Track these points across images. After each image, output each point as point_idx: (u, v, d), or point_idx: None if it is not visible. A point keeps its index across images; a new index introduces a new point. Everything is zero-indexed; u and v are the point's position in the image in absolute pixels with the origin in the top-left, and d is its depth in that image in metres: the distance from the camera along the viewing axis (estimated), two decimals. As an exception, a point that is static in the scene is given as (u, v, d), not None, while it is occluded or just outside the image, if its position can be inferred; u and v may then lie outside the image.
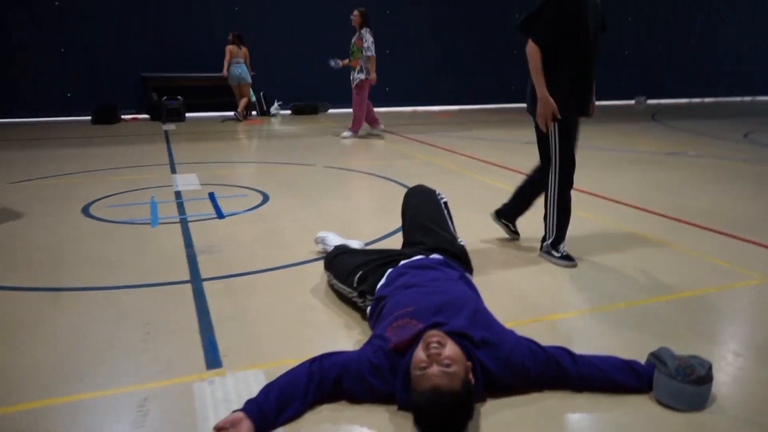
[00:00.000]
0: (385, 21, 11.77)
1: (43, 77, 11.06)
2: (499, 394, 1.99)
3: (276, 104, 12.19)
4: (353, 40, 8.63)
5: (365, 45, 8.42)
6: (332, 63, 9.05)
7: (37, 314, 2.71)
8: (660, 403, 1.96)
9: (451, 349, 1.85)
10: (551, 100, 3.17)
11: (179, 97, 11.11)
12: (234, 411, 1.83)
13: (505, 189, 5.40)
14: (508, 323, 2.23)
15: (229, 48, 10.72)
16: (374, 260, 2.64)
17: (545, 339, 2.16)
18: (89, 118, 10.87)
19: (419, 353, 1.85)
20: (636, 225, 4.15)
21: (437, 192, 3.04)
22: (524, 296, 2.96)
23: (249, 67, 11.00)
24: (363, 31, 8.51)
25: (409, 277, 2.34)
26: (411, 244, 2.81)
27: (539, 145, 3.42)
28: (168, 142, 8.43)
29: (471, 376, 1.87)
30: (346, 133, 8.88)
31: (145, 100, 11.53)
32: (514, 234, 3.82)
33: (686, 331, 2.55)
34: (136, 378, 2.16)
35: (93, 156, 7.20)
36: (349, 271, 2.65)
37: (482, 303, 2.27)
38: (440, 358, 1.81)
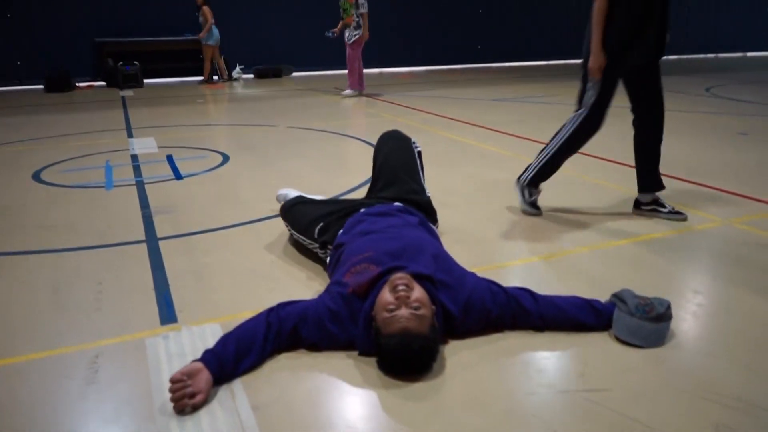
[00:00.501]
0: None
1: (-10, 44, 10.56)
2: (460, 336, 1.97)
3: (238, 68, 11.88)
4: None
5: (360, 1, 8.34)
6: (329, 34, 8.88)
7: (-17, 278, 2.60)
8: (619, 340, 1.97)
9: (419, 291, 1.81)
10: (603, 55, 2.93)
11: (136, 62, 10.74)
12: (192, 361, 1.78)
13: (470, 144, 5.37)
14: (470, 269, 2.21)
15: (208, 9, 10.47)
16: (335, 211, 2.57)
17: (508, 283, 2.14)
18: (42, 86, 10.45)
19: (385, 295, 1.81)
20: (599, 174, 4.16)
21: (412, 140, 2.97)
22: (487, 244, 2.95)
23: None
24: None
25: (367, 224, 2.29)
26: (378, 189, 2.75)
27: (581, 95, 3.16)
28: (125, 107, 8.15)
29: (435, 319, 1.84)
30: (347, 91, 8.83)
31: (101, 67, 11.12)
32: (662, 208, 3.27)
33: (647, 272, 2.57)
34: (87, 336, 2.08)
35: (45, 123, 6.92)
36: (309, 222, 2.58)
37: (442, 247, 2.24)
38: (409, 300, 1.77)
